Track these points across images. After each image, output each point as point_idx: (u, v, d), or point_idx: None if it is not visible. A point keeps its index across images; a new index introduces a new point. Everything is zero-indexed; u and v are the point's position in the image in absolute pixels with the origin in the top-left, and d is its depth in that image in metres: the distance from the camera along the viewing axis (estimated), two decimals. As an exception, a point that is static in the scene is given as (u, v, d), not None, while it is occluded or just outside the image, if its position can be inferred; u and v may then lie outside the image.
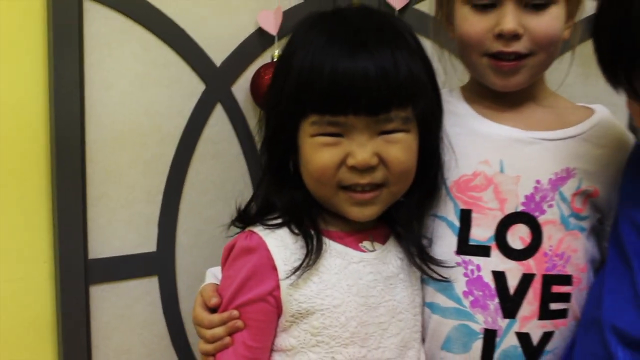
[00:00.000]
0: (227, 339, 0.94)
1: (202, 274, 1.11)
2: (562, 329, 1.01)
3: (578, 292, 1.02)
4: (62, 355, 1.16)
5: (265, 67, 1.23)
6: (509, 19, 0.96)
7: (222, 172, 1.28)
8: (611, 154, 1.05)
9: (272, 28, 1.25)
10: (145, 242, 1.23)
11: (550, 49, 1.00)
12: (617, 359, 0.90)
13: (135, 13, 1.17)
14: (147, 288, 1.24)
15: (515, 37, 0.97)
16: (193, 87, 1.24)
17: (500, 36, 0.97)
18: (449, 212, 1.02)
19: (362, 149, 0.90)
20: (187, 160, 1.25)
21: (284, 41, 1.23)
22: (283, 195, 0.98)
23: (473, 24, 1.00)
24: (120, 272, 1.21)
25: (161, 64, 1.20)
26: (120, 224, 1.20)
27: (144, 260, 1.22)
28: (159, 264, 1.24)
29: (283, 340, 0.95)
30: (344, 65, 0.89)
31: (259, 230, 0.95)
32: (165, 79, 1.21)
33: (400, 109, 0.91)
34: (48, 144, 1.14)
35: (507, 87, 1.02)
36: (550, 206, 1.01)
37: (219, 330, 0.95)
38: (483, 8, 0.99)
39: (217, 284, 1.00)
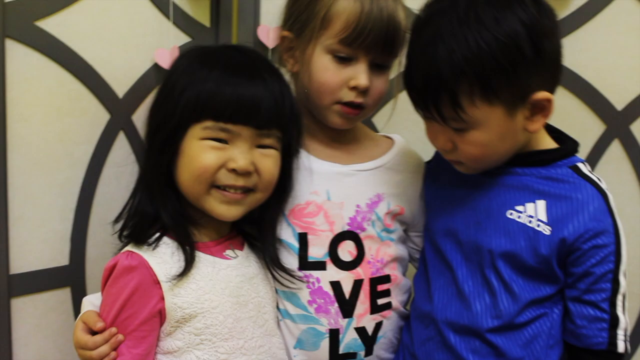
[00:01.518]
0: (113, 354, 1.11)
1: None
2: (388, 317, 1.27)
3: (395, 287, 1.28)
4: (-17, 363, 1.32)
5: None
6: (365, 77, 1.19)
7: (125, 191, 1.44)
8: (409, 177, 1.31)
9: (167, 64, 1.45)
10: (59, 256, 1.40)
11: (379, 103, 1.25)
12: (450, 342, 1.18)
13: (51, 52, 1.34)
14: (61, 298, 1.42)
15: (365, 91, 1.20)
16: (99, 117, 1.43)
17: (355, 88, 1.20)
18: (289, 236, 1.25)
19: (243, 155, 1.13)
20: (95, 182, 1.42)
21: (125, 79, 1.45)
22: (162, 208, 1.16)
23: (334, 74, 1.20)
24: (37, 285, 1.38)
25: (73, 97, 1.38)
26: (37, 241, 1.37)
27: (58, 273, 1.40)
28: (71, 276, 1.42)
29: (168, 343, 1.14)
30: (244, 88, 1.12)
31: (138, 249, 1.14)
32: (76, 110, 1.39)
33: (278, 129, 1.16)
34: (-26, 170, 1.29)
35: (344, 126, 1.25)
36: (369, 224, 1.25)
37: (104, 348, 1.10)
38: (342, 60, 1.20)
39: (97, 311, 1.16)
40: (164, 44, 1.46)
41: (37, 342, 1.37)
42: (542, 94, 1.10)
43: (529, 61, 1.07)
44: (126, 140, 1.45)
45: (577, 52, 1.54)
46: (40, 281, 1.36)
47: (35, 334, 1.37)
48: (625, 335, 1.13)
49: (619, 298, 1.12)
